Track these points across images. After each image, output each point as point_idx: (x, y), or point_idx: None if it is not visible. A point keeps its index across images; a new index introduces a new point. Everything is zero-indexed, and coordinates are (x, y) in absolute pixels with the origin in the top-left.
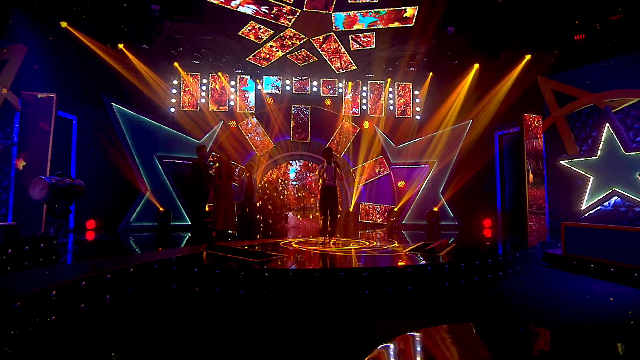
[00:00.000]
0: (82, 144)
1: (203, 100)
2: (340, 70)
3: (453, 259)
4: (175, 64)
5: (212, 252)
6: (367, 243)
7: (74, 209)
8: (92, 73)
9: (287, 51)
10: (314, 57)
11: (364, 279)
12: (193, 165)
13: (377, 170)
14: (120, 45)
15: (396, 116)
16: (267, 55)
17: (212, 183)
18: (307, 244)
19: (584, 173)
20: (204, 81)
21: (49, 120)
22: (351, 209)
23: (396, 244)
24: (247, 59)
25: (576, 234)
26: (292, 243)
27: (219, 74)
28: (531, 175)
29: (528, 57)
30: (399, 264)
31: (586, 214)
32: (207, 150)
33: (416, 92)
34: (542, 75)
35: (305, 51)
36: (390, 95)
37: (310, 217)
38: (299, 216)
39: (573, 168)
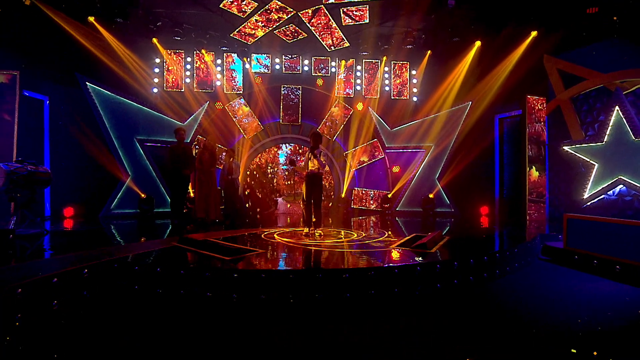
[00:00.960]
0: (56, 127)
1: (187, 80)
2: (332, 47)
3: (445, 257)
4: (154, 40)
5: (181, 246)
6: (356, 234)
7: (50, 195)
8: (64, 49)
9: (274, 26)
10: (304, 33)
11: (344, 280)
12: (169, 149)
13: (370, 155)
14: (91, 19)
15: (392, 97)
16: (253, 31)
17: (194, 168)
18: (291, 236)
19: (588, 160)
20: (188, 59)
21: (13, 102)
22: (343, 195)
23: (388, 234)
24: (231, 34)
25: (579, 226)
26: (275, 234)
27: (203, 51)
28: (536, 173)
29: (534, 33)
30: (386, 262)
31: (588, 203)
32: (192, 133)
33: (413, 72)
34: (548, 54)
35: (294, 26)
36: (386, 75)
37: (301, 204)
38: (288, 205)
39: (577, 154)
